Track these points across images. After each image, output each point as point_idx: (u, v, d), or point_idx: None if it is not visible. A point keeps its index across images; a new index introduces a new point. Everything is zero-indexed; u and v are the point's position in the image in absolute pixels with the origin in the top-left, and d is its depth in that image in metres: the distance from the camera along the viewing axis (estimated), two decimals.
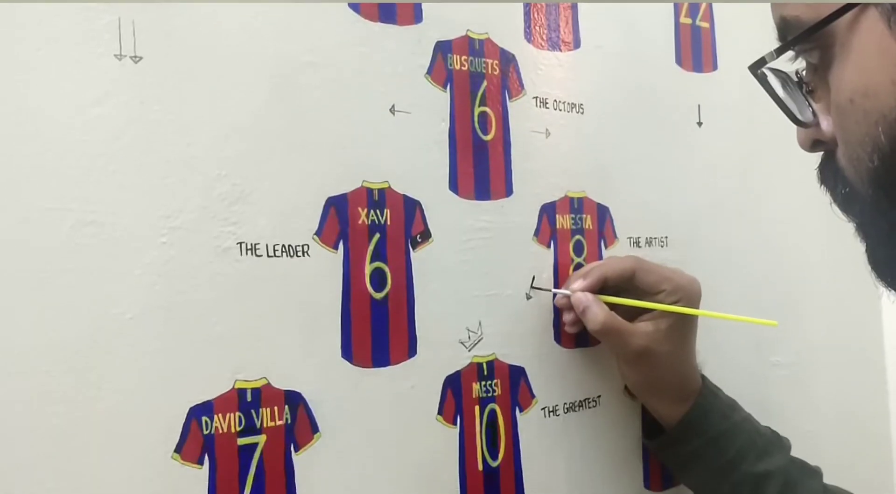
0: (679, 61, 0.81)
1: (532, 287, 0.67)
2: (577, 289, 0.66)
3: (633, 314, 0.67)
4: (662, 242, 0.78)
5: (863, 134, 0.42)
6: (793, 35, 0.44)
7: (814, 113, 0.47)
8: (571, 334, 0.69)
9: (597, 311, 0.65)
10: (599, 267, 0.67)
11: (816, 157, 0.49)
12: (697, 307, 0.69)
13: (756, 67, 0.48)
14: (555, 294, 0.68)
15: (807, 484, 0.69)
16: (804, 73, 0.47)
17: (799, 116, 0.47)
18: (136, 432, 0.49)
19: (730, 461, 0.68)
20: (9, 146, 0.46)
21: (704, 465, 0.69)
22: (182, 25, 0.52)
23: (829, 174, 0.47)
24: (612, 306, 0.66)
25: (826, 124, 0.46)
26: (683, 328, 0.68)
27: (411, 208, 0.62)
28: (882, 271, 0.46)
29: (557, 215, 0.70)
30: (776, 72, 0.48)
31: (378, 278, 0.60)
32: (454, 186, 0.64)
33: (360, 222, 0.59)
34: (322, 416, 0.56)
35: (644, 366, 0.68)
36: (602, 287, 0.67)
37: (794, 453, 0.72)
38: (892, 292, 0.47)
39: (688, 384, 0.70)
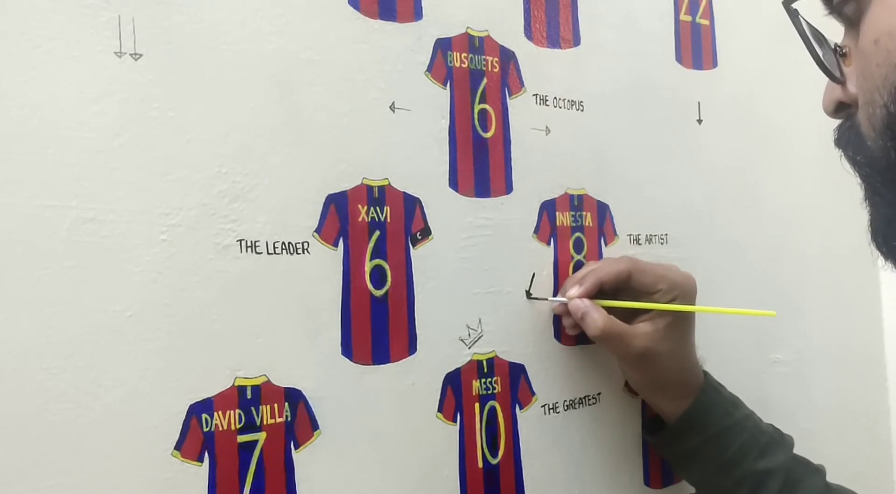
0: (679, 58, 0.81)
1: (529, 298, 0.67)
2: (573, 296, 0.66)
3: (630, 315, 0.67)
4: (662, 239, 0.78)
5: (882, 77, 0.41)
6: None
7: (842, 74, 0.47)
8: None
9: (595, 317, 0.65)
10: (594, 272, 0.67)
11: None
12: (694, 303, 0.69)
13: (789, 1, 0.47)
14: (552, 302, 0.68)
15: (809, 482, 0.69)
16: (841, 41, 0.47)
17: (828, 67, 0.47)
18: (135, 429, 0.49)
19: (731, 458, 0.68)
20: (8, 144, 0.46)
21: (706, 461, 0.69)
22: (182, 23, 0.52)
23: (845, 137, 0.47)
24: (609, 309, 0.66)
25: (852, 85, 0.46)
26: (682, 325, 0.68)
27: (411, 205, 0.62)
28: (883, 234, 0.45)
29: (557, 213, 0.70)
30: (814, 30, 0.48)
31: (378, 276, 0.60)
32: (454, 183, 0.64)
33: (359, 219, 0.59)
34: (322, 413, 0.56)
35: (646, 366, 0.68)
36: (598, 291, 0.67)
37: (795, 450, 0.72)
38: (891, 260, 0.46)
39: (689, 381, 0.70)
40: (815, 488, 0.69)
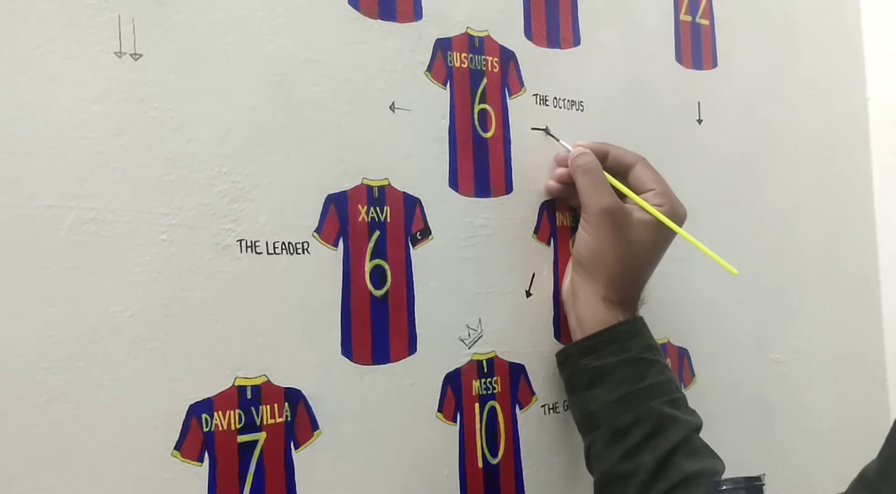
0: (679, 58, 0.81)
1: (539, 129, 0.69)
2: (580, 144, 0.68)
3: None
4: None
5: None
6: None
7: None
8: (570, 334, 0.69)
9: (589, 158, 0.67)
10: (608, 144, 0.69)
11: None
12: (679, 226, 0.68)
13: None
14: (561, 145, 0.69)
15: (709, 462, 0.65)
16: None
17: None
18: (136, 429, 0.49)
19: (642, 390, 0.64)
20: (8, 144, 0.46)
21: (616, 385, 0.64)
22: (182, 23, 0.52)
23: None
24: None
25: None
26: (663, 235, 0.68)
27: (411, 205, 0.62)
28: None
29: (557, 212, 0.70)
30: None
31: (378, 276, 0.60)
32: (454, 183, 0.64)
33: (359, 219, 0.59)
34: (322, 413, 0.56)
35: (605, 229, 0.65)
36: (601, 161, 0.67)
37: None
38: None
39: (633, 297, 0.68)
40: (715, 470, 0.64)
